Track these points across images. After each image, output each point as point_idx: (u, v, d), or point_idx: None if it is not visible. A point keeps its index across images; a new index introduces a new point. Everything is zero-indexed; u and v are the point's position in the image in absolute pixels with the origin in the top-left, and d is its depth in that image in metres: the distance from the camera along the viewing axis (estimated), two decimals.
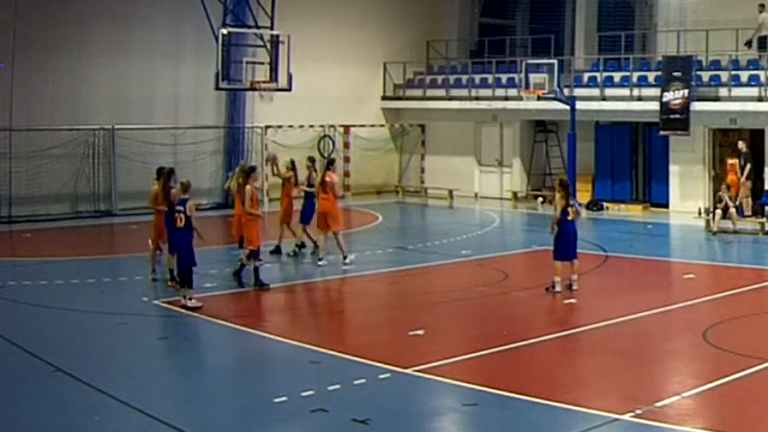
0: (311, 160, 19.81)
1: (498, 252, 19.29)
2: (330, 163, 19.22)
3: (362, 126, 32.15)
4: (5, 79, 24.12)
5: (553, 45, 30.47)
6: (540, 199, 29.25)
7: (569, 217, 15.68)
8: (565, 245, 15.72)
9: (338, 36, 31.27)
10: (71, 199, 25.97)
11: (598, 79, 28.23)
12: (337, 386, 10.42)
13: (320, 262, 17.96)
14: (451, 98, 31.60)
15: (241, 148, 29.01)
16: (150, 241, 16.68)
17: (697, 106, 25.57)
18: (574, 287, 15.69)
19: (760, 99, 24.76)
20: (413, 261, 18.98)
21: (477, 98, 30.83)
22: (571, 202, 15.85)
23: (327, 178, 18.19)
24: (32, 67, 24.74)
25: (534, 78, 27.34)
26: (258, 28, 23.94)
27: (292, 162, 19.74)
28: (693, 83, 25.66)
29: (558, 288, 15.57)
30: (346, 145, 31.62)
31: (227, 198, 28.80)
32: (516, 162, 30.69)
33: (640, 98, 27.20)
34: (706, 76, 26.06)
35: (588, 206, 28.15)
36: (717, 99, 25.54)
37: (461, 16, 34.18)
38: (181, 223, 14.66)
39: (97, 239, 23.65)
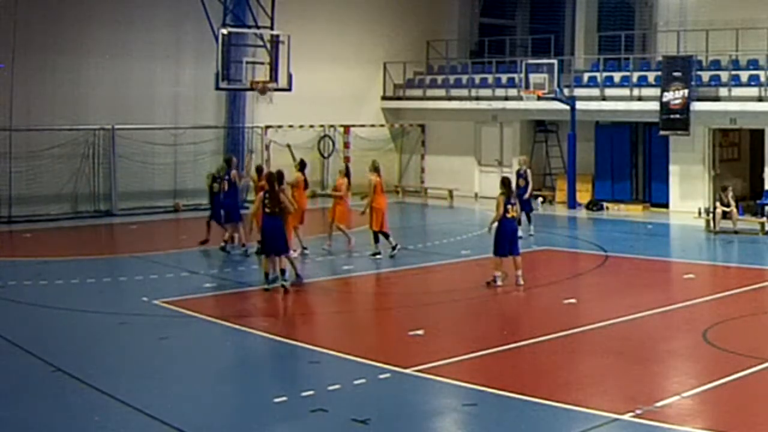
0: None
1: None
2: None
3: (362, 126, 32.15)
4: (5, 79, 24.12)
5: (553, 45, 30.50)
6: (540, 198, 29.24)
7: (509, 215, 16.01)
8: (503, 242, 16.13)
9: (338, 36, 31.27)
10: (71, 199, 25.97)
11: (598, 79, 28.23)
12: (337, 386, 10.42)
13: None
14: (451, 98, 31.60)
15: (241, 148, 29.00)
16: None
17: (697, 106, 25.57)
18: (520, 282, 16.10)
19: (760, 99, 24.75)
20: (413, 261, 18.98)
21: (477, 98, 30.84)
22: (512, 201, 16.11)
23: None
24: (32, 67, 24.74)
25: (534, 78, 27.36)
26: (258, 28, 23.96)
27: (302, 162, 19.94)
28: (693, 83, 25.66)
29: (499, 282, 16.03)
30: (346, 145, 31.61)
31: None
32: (516, 162, 30.68)
33: (640, 98, 27.20)
34: (706, 76, 26.06)
35: (588, 206, 28.20)
36: (717, 99, 25.54)
37: (461, 16, 34.19)
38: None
39: (97, 239, 23.65)
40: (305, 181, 19.70)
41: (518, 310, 15.38)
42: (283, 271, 15.77)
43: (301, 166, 19.82)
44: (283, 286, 15.61)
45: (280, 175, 16.29)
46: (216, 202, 20.26)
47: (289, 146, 21.74)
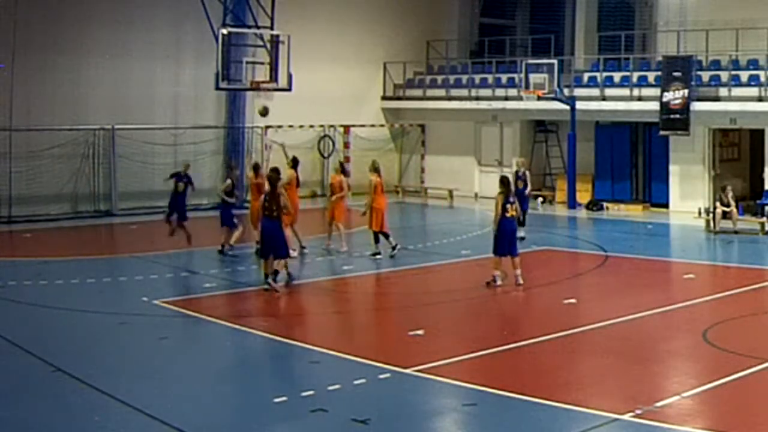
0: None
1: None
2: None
3: (362, 126, 32.15)
4: (5, 79, 24.11)
5: (553, 45, 30.49)
6: (540, 198, 29.26)
7: (508, 215, 15.94)
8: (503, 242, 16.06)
9: (338, 36, 31.27)
10: (71, 199, 25.96)
11: (598, 79, 28.23)
12: (337, 386, 10.42)
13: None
14: (451, 98, 31.60)
15: (241, 148, 29.01)
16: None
17: (697, 106, 25.57)
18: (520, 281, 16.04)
19: (760, 99, 24.75)
20: (413, 261, 18.98)
21: (477, 98, 30.83)
22: (511, 200, 16.06)
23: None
24: (32, 67, 24.74)
25: (534, 78, 27.37)
26: (258, 28, 23.95)
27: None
28: (693, 83, 25.66)
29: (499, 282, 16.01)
30: (346, 145, 31.61)
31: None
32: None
33: (640, 98, 27.20)
34: (706, 76, 26.06)
35: (588, 206, 28.20)
36: (717, 99, 25.54)
37: (461, 16, 34.19)
38: None
39: (97, 239, 23.65)
40: (297, 179, 19.67)
41: (518, 310, 15.39)
42: (276, 272, 15.75)
43: (294, 163, 19.77)
44: (271, 285, 15.52)
45: (277, 173, 16.29)
46: (180, 201, 20.10)
47: (282, 144, 21.76)
